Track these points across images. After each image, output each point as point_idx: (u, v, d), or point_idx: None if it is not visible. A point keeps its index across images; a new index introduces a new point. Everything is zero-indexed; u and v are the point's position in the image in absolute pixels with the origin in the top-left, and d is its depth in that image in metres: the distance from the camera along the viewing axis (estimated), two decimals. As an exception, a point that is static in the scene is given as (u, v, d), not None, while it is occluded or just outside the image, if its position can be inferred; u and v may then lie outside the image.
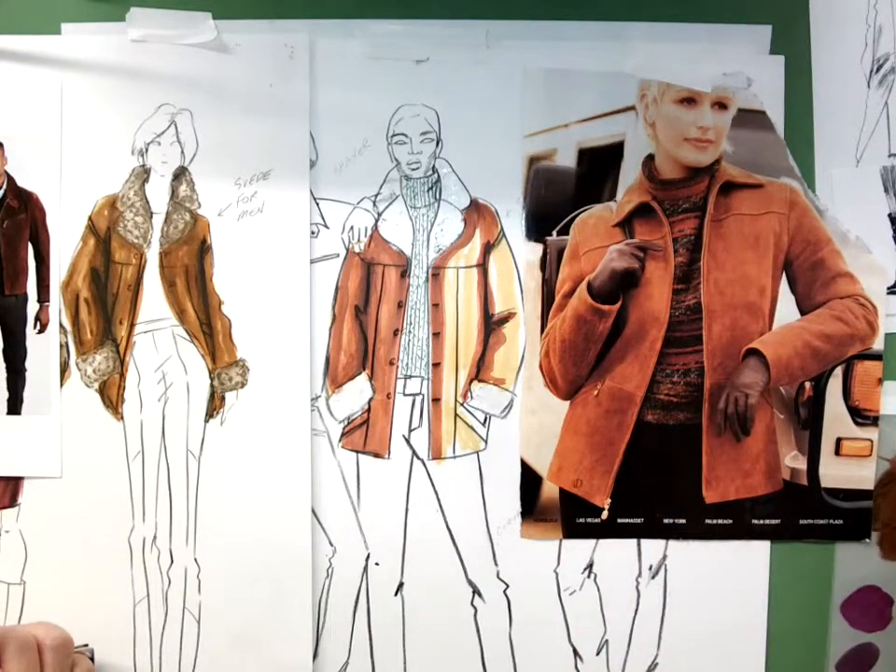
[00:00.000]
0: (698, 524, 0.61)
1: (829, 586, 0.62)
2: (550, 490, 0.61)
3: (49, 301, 0.61)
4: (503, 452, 0.61)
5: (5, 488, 0.61)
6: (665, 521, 0.61)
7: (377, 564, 0.61)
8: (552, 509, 0.61)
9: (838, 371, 0.60)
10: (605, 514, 0.61)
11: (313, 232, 0.61)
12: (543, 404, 0.60)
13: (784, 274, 0.61)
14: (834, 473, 0.61)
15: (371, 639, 0.61)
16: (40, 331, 0.61)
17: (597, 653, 0.61)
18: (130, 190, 0.61)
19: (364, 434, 0.61)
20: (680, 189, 0.60)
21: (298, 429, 0.60)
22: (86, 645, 0.60)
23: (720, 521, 0.61)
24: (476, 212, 0.61)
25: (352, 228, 0.61)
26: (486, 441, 0.61)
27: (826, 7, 0.60)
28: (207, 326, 0.61)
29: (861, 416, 0.60)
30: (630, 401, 0.60)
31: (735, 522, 0.61)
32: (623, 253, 0.60)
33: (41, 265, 0.61)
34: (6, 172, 0.60)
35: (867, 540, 0.61)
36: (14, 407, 0.61)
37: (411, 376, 0.61)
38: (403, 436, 0.61)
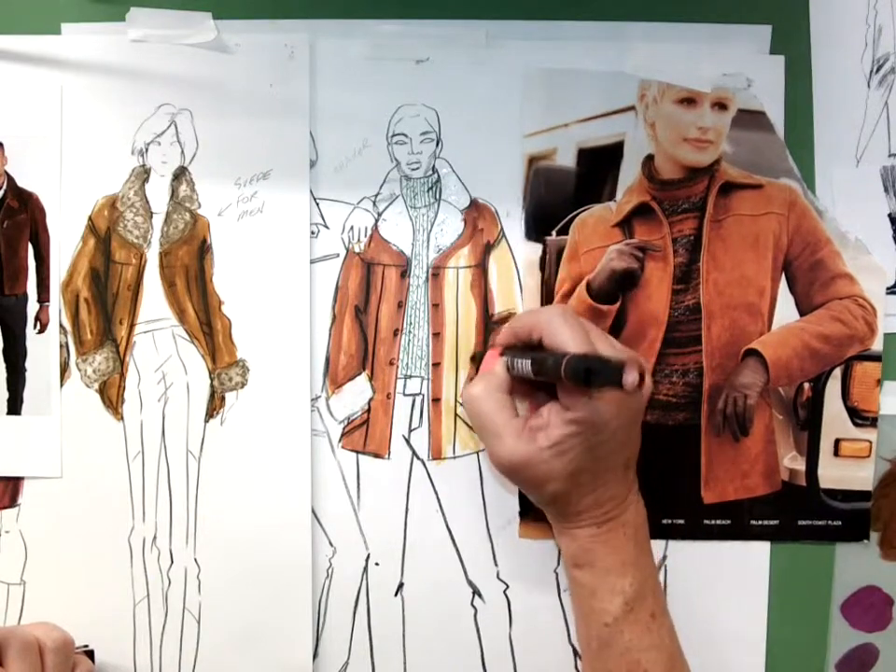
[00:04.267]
0: (697, 524, 0.61)
1: (829, 586, 0.62)
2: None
3: (49, 301, 0.61)
4: (503, 452, 0.61)
5: (5, 488, 0.61)
6: (664, 521, 0.61)
7: (377, 564, 0.61)
8: (551, 509, 0.61)
9: (837, 373, 0.60)
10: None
11: (313, 232, 0.61)
12: (543, 404, 0.60)
13: (783, 275, 0.61)
14: (833, 474, 0.61)
15: (370, 639, 0.61)
16: (40, 331, 0.61)
17: (597, 653, 0.61)
18: (130, 190, 0.61)
19: (364, 434, 0.61)
20: (680, 190, 0.60)
21: (298, 429, 0.60)
22: (86, 646, 0.60)
23: (718, 521, 0.61)
24: (476, 212, 0.61)
25: (352, 228, 0.61)
26: (486, 442, 0.61)
27: (826, 7, 0.60)
28: (207, 326, 0.61)
29: (860, 417, 0.60)
30: (629, 402, 0.60)
31: (734, 522, 0.61)
32: (622, 253, 0.60)
33: (41, 265, 0.61)
34: (6, 172, 0.60)
35: (865, 542, 0.61)
36: (14, 407, 0.61)
37: (411, 376, 0.61)
38: (403, 436, 0.61)
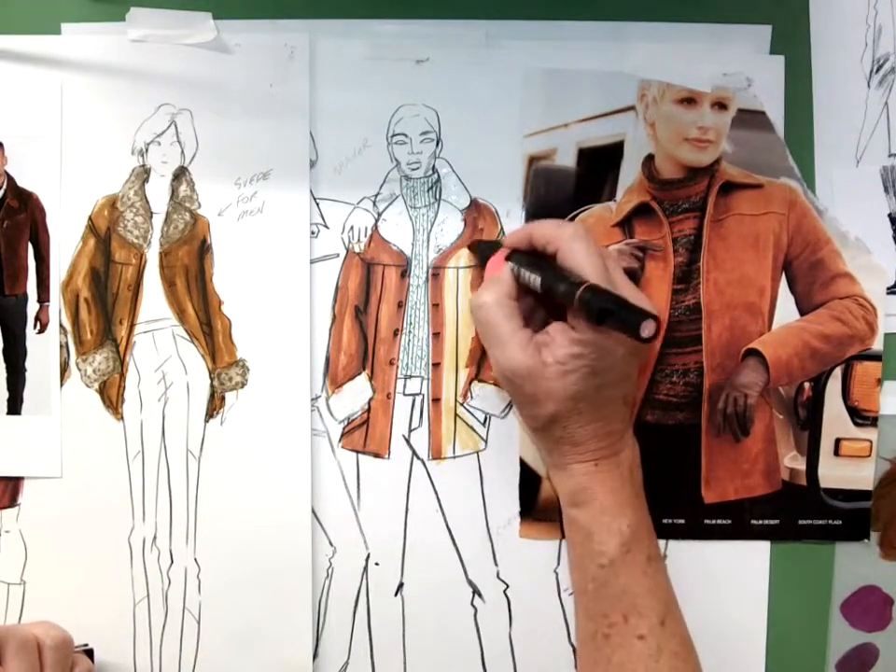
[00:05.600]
0: (697, 524, 0.61)
1: (829, 586, 0.62)
2: (549, 490, 0.61)
3: (49, 301, 0.61)
4: (503, 452, 0.61)
5: (5, 488, 0.61)
6: (665, 521, 0.61)
7: (377, 564, 0.61)
8: (551, 509, 0.61)
9: (837, 372, 0.60)
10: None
11: (313, 232, 0.61)
12: (543, 404, 0.60)
13: (784, 275, 0.61)
14: (833, 474, 0.61)
15: (371, 639, 0.61)
16: (40, 331, 0.61)
17: (597, 653, 0.61)
18: (130, 190, 0.61)
19: (364, 434, 0.61)
20: (680, 189, 0.60)
21: (298, 429, 0.60)
22: (86, 645, 0.60)
23: (718, 521, 0.61)
24: (476, 212, 0.61)
25: (352, 228, 0.61)
26: (486, 441, 0.61)
27: (826, 7, 0.60)
28: (207, 326, 0.61)
29: (861, 417, 0.60)
30: (629, 401, 0.60)
31: (734, 522, 0.61)
32: (622, 253, 0.60)
33: (41, 265, 0.61)
34: (6, 172, 0.60)
35: (866, 541, 0.61)
36: (14, 407, 0.61)
37: (411, 376, 0.61)
38: (403, 436, 0.61)
